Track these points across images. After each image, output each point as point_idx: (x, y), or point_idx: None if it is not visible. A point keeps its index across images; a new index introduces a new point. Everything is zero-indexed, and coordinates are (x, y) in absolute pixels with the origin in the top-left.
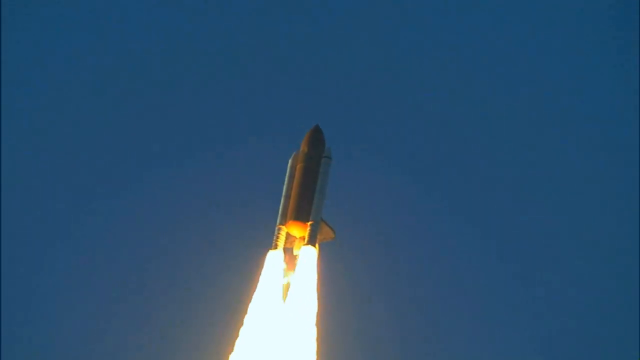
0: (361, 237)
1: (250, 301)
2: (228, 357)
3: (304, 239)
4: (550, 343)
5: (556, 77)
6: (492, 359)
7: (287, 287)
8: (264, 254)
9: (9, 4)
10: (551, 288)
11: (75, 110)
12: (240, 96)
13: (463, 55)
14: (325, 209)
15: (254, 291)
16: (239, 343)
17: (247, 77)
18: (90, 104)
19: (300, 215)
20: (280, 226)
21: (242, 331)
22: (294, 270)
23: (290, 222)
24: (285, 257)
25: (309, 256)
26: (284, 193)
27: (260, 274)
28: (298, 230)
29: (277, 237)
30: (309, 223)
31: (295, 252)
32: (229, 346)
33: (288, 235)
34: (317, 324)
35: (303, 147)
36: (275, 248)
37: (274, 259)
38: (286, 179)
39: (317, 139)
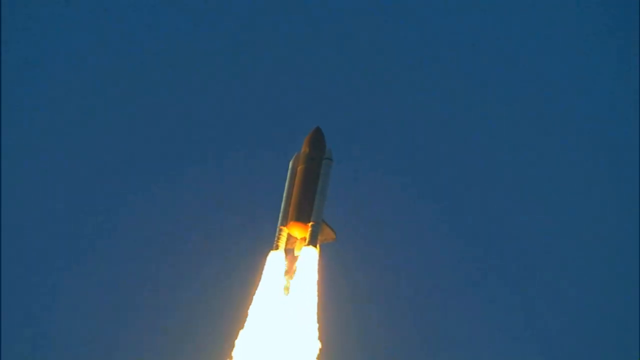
0: (361, 238)
1: (251, 301)
2: (230, 357)
3: (305, 239)
4: (550, 343)
5: (556, 77)
6: (492, 359)
7: (288, 288)
8: (265, 255)
9: (9, 4)
10: (551, 288)
11: (76, 111)
12: (241, 98)
13: (463, 55)
14: (326, 210)
15: (256, 291)
16: (240, 343)
17: (248, 79)
18: (90, 104)
19: (302, 217)
20: (282, 227)
21: (243, 331)
22: (295, 271)
23: (292, 223)
24: (286, 257)
25: (310, 257)
26: (285, 194)
27: (261, 275)
28: (299, 231)
29: (279, 238)
30: (310, 224)
31: (296, 253)
32: (231, 346)
33: (289, 236)
34: (318, 324)
35: (304, 149)
36: (277, 249)
37: (275, 259)
38: (287, 180)
39: (318, 140)
